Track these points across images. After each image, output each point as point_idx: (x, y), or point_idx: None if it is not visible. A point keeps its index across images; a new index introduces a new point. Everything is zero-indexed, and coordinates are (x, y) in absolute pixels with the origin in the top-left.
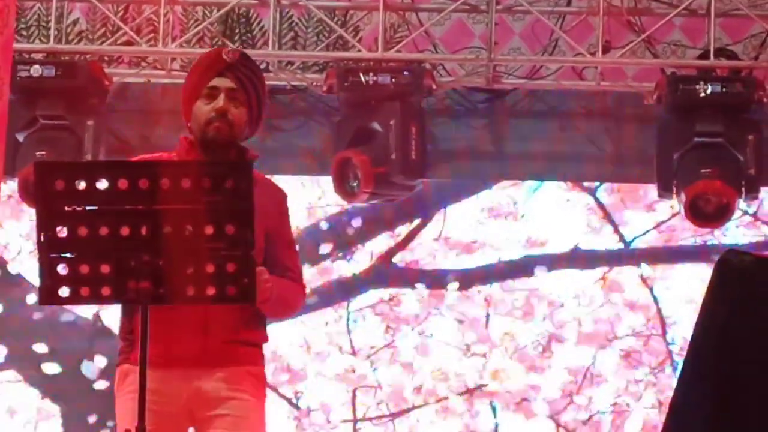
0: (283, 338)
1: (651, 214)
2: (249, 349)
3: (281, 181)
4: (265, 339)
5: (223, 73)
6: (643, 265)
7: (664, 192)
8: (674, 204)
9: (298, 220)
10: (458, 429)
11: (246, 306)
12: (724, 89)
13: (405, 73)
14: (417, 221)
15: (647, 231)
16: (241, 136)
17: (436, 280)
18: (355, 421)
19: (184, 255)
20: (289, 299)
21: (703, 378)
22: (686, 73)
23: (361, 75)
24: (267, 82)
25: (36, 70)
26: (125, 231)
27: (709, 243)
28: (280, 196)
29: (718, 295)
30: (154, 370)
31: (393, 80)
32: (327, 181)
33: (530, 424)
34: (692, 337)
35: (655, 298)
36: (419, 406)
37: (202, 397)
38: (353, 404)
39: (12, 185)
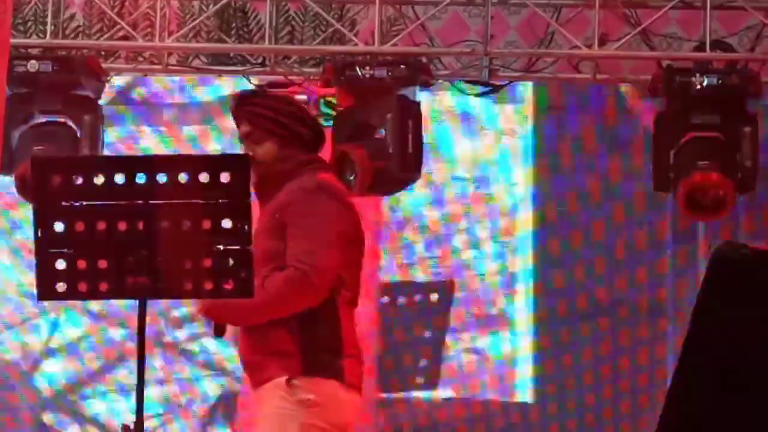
0: None
1: None
2: (275, 360)
3: None
4: (294, 345)
5: (238, 120)
6: None
7: (661, 185)
8: None
9: None
10: None
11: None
12: (720, 81)
13: (402, 66)
14: None
15: None
16: (285, 156)
17: None
18: None
19: (181, 250)
20: (245, 304)
21: (700, 370)
22: (682, 65)
23: (358, 69)
24: (263, 77)
25: (33, 65)
26: (123, 226)
27: None
28: (287, 192)
29: (715, 287)
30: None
31: (390, 74)
32: None
33: None
34: (689, 329)
35: None
36: None
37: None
38: None
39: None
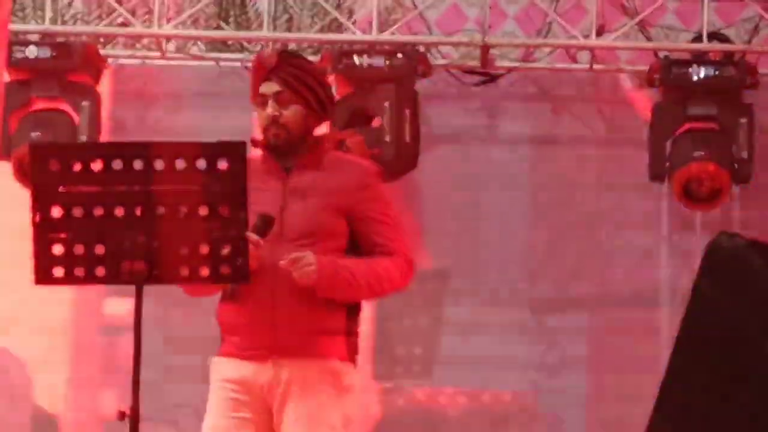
0: None
1: None
2: (327, 339)
3: None
4: (349, 326)
5: (269, 77)
6: None
7: (657, 175)
8: None
9: None
10: None
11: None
12: (716, 73)
13: (399, 55)
14: None
15: None
16: (307, 130)
17: None
18: None
19: (178, 236)
20: (362, 279)
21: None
22: (679, 56)
23: (356, 57)
24: None
25: (31, 52)
26: (120, 212)
27: None
28: (357, 173)
29: (710, 276)
30: (236, 361)
31: (387, 63)
32: None
33: None
34: (684, 317)
35: None
36: None
37: (276, 392)
38: None
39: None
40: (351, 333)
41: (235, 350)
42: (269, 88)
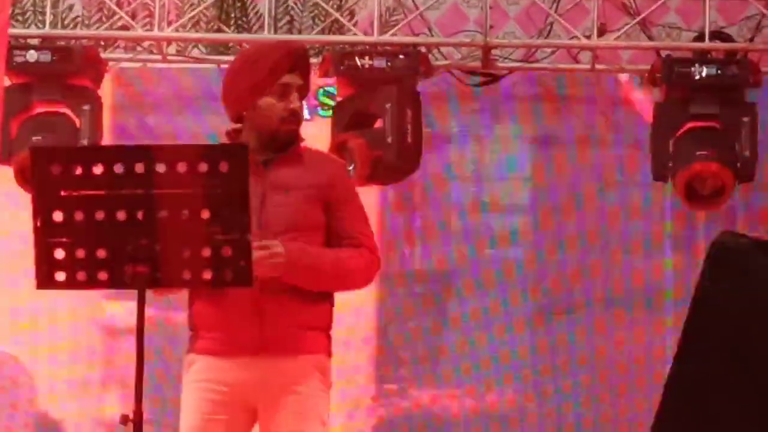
0: None
1: None
2: (313, 334)
3: None
4: (330, 322)
5: (293, 69)
6: None
7: (659, 174)
8: None
9: None
10: None
11: (303, 288)
12: (719, 72)
13: (401, 56)
14: None
15: None
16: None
17: None
18: None
19: (180, 239)
20: (329, 267)
21: (698, 358)
22: (681, 55)
23: (357, 59)
24: None
25: (32, 56)
26: (121, 215)
27: None
28: (333, 167)
29: (714, 277)
30: (216, 359)
31: (389, 64)
32: None
33: None
34: (687, 317)
35: None
36: None
37: (264, 388)
38: None
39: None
40: (330, 328)
41: (214, 347)
42: (294, 80)
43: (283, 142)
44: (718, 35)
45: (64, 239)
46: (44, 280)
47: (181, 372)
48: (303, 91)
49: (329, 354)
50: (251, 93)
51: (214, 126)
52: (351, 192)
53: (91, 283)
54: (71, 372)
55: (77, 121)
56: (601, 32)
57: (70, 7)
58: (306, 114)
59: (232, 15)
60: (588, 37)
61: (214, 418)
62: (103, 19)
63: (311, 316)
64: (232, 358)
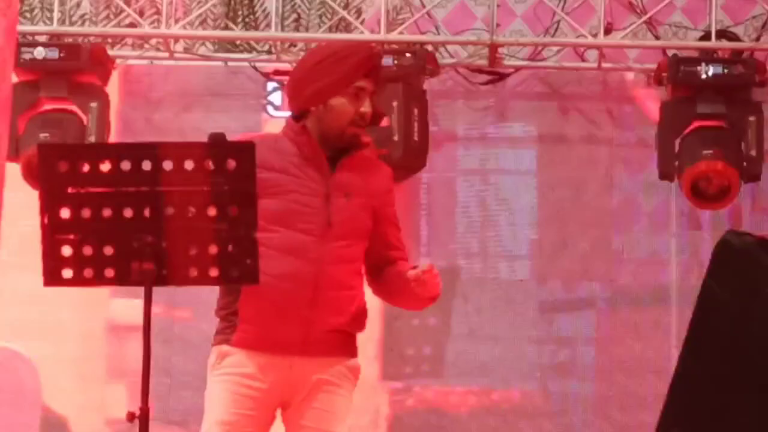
0: None
1: None
2: (349, 339)
3: None
4: (363, 329)
5: (369, 74)
6: None
7: (665, 173)
8: None
9: None
10: None
11: (356, 295)
12: (725, 71)
13: (407, 55)
14: None
15: None
16: None
17: None
18: None
19: (187, 236)
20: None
21: (704, 355)
22: (688, 54)
23: None
24: (269, 64)
25: (40, 53)
26: (129, 213)
27: None
28: (384, 176)
29: (720, 275)
30: (256, 354)
31: (396, 62)
32: None
33: None
34: (693, 315)
35: None
36: None
37: (297, 385)
38: None
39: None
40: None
41: (253, 341)
42: (369, 85)
43: (347, 144)
44: (724, 34)
45: (71, 236)
46: (51, 277)
47: (207, 363)
48: (372, 98)
49: (357, 356)
50: (327, 90)
51: (221, 123)
52: (393, 199)
53: (98, 280)
54: (77, 368)
55: (84, 118)
56: (608, 31)
57: (78, 4)
58: None
59: (240, 13)
60: (594, 36)
61: (245, 414)
62: (111, 16)
63: (355, 320)
64: (275, 355)
